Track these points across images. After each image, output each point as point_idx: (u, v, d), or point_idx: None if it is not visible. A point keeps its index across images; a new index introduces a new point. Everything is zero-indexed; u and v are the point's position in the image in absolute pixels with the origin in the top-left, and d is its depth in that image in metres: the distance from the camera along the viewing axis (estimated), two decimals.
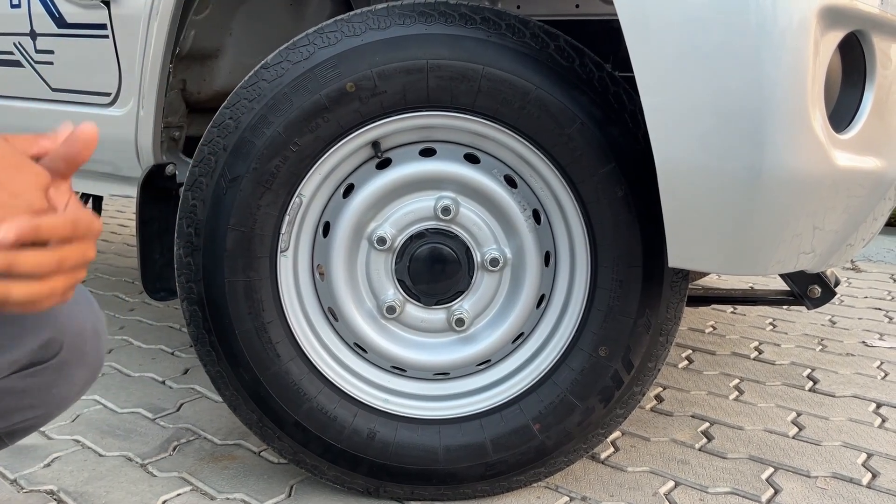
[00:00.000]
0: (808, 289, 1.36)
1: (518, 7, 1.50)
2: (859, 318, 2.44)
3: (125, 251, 3.16)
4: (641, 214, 1.14)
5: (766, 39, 0.90)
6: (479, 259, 1.24)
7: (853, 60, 0.99)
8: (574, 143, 1.13)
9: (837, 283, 1.38)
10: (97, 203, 1.85)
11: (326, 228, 1.24)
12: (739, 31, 0.91)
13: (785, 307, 2.52)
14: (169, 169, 1.47)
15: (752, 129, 0.92)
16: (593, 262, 1.19)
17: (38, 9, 1.53)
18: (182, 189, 1.19)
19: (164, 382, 1.80)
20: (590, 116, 1.12)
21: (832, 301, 2.23)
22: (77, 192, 1.81)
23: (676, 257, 1.04)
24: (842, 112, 1.00)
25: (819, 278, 1.34)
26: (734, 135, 0.93)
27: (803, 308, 2.22)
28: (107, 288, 2.60)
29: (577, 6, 1.44)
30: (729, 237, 0.99)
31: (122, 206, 4.22)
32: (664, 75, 0.95)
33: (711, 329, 2.28)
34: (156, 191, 1.46)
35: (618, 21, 0.97)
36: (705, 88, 0.93)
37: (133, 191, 1.66)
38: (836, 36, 0.94)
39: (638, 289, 1.18)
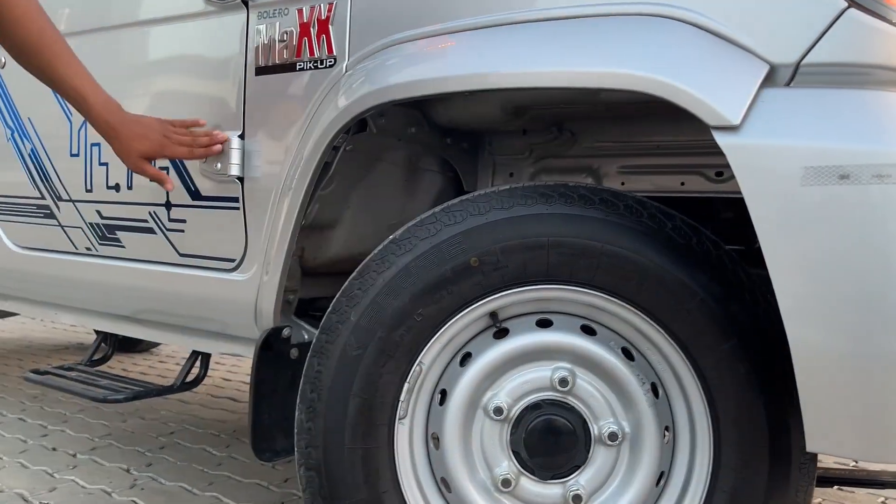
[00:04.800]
0: None
1: (622, 184, 1.57)
2: None
3: (209, 402, 3.21)
4: (766, 393, 1.12)
5: None
6: (596, 432, 1.22)
7: None
8: (694, 319, 1.14)
9: None
10: (206, 360, 1.92)
11: (443, 396, 1.26)
12: (873, 228, 0.93)
13: None
14: (285, 332, 1.54)
15: (891, 316, 0.92)
16: (716, 440, 1.16)
17: (175, 182, 1.67)
18: (308, 355, 1.24)
19: None
20: (709, 293, 1.14)
21: None
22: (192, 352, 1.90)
23: (815, 442, 1.01)
24: None
25: None
26: (873, 322, 0.93)
27: None
28: (195, 440, 2.63)
29: (683, 184, 1.50)
30: (871, 424, 0.97)
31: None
32: (799, 268, 0.97)
33: None
34: (271, 352, 1.52)
35: (717, 198, 1.01)
36: (843, 280, 0.95)
37: (241, 350, 1.73)
38: None
39: (765, 471, 1.13)
